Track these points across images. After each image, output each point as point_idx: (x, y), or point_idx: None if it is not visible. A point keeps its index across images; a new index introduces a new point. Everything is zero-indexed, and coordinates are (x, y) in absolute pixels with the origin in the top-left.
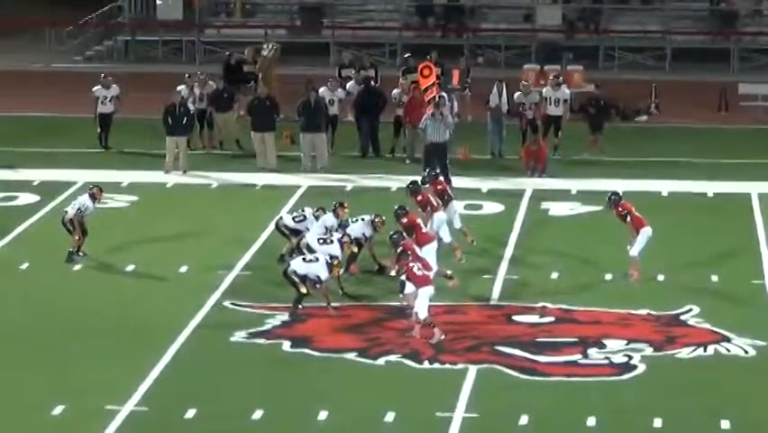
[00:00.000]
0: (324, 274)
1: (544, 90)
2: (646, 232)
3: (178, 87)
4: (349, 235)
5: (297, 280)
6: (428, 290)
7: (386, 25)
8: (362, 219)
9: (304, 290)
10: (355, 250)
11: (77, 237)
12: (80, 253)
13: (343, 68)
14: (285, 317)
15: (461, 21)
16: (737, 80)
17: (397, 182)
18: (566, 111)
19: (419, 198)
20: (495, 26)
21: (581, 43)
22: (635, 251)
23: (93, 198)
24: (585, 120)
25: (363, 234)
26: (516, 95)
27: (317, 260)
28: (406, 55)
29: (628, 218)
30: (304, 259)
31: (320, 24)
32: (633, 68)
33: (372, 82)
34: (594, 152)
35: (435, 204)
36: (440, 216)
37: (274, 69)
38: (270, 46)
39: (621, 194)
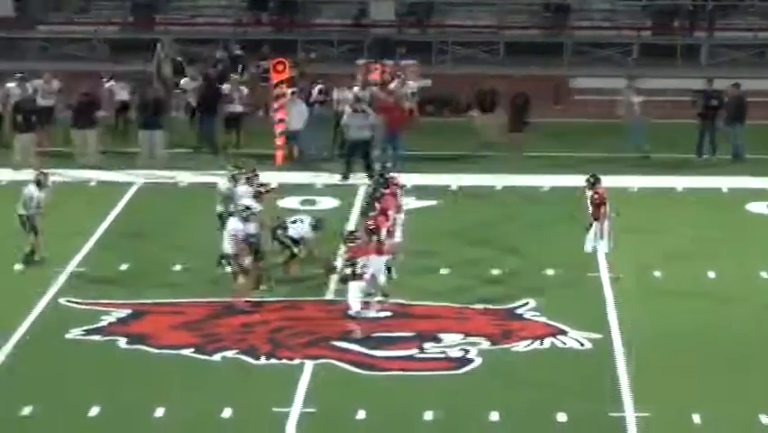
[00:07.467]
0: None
1: (392, 85)
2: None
3: (8, 84)
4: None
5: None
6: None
7: (219, 21)
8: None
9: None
10: (296, 251)
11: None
12: None
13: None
14: (121, 313)
15: (294, 16)
16: (571, 74)
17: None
18: (415, 105)
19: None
20: (328, 21)
21: (414, 38)
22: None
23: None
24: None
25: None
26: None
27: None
28: (237, 49)
29: (599, 206)
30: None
31: (152, 21)
32: (466, 62)
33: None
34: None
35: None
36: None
37: None
38: None
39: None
